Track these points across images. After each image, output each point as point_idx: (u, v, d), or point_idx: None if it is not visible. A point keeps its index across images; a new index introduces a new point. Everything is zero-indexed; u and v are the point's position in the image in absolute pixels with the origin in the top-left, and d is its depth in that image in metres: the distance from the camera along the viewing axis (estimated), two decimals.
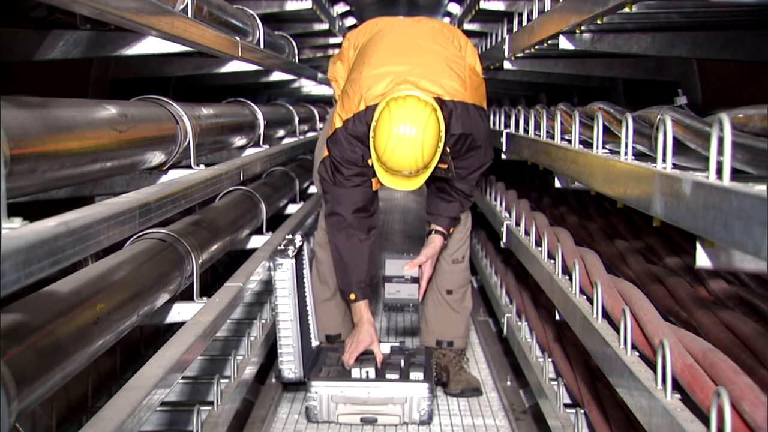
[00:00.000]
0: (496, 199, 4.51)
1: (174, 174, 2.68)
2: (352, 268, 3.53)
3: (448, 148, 3.35)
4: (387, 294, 3.65)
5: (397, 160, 3.17)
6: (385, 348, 3.72)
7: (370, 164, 3.37)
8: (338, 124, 3.45)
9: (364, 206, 3.53)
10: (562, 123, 2.93)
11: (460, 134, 3.40)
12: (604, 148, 2.36)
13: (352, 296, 3.54)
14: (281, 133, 5.09)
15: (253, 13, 4.26)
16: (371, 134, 3.25)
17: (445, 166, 3.36)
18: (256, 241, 3.92)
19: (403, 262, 3.66)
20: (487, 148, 3.57)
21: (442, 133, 3.22)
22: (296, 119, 5.47)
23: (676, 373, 1.69)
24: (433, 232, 3.68)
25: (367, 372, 3.40)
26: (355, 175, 3.47)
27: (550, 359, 3.15)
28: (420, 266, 3.64)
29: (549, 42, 3.07)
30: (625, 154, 2.03)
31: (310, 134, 6.01)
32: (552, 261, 2.94)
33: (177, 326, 2.55)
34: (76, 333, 1.79)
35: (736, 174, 1.42)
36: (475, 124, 3.44)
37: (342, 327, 3.94)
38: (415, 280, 3.65)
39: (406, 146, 3.15)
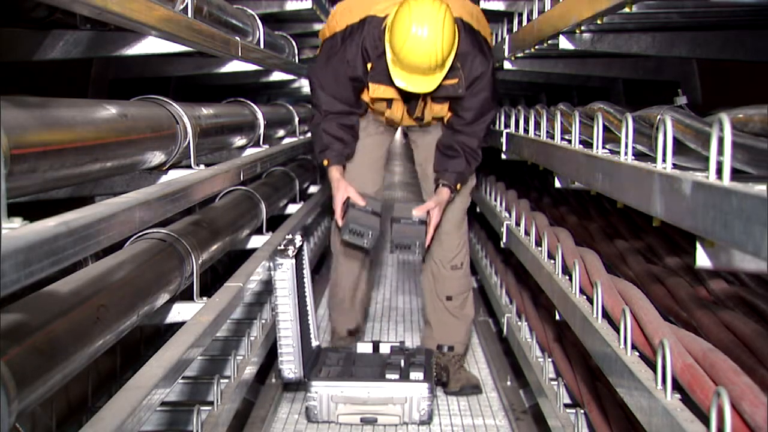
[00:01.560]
0: (496, 199, 4.51)
1: (174, 174, 2.68)
2: (328, 140, 3.71)
3: (458, 63, 3.46)
4: (394, 233, 3.65)
5: (415, 57, 3.31)
6: (385, 348, 3.73)
7: (365, 71, 3.53)
8: (338, 28, 3.61)
9: (347, 114, 3.72)
10: (562, 123, 2.93)
11: (467, 52, 3.51)
12: (604, 148, 2.36)
13: (326, 162, 3.75)
14: (281, 133, 5.09)
15: (253, 13, 4.25)
16: (387, 33, 3.39)
17: (455, 81, 3.49)
18: (256, 241, 3.92)
19: (412, 206, 3.72)
20: (493, 93, 3.66)
21: (457, 33, 3.38)
22: (296, 119, 5.47)
23: (676, 373, 1.69)
24: (441, 185, 3.73)
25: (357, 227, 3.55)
26: (340, 81, 3.61)
27: (550, 359, 3.14)
28: (428, 212, 3.68)
29: (549, 42, 3.06)
30: (625, 154, 2.03)
31: (310, 134, 6.00)
32: (552, 261, 2.94)
33: (177, 326, 2.54)
34: (76, 333, 1.79)
35: (736, 174, 1.42)
36: (481, 50, 3.55)
37: (355, 321, 4.16)
38: (423, 223, 3.66)
39: (426, 42, 3.28)
